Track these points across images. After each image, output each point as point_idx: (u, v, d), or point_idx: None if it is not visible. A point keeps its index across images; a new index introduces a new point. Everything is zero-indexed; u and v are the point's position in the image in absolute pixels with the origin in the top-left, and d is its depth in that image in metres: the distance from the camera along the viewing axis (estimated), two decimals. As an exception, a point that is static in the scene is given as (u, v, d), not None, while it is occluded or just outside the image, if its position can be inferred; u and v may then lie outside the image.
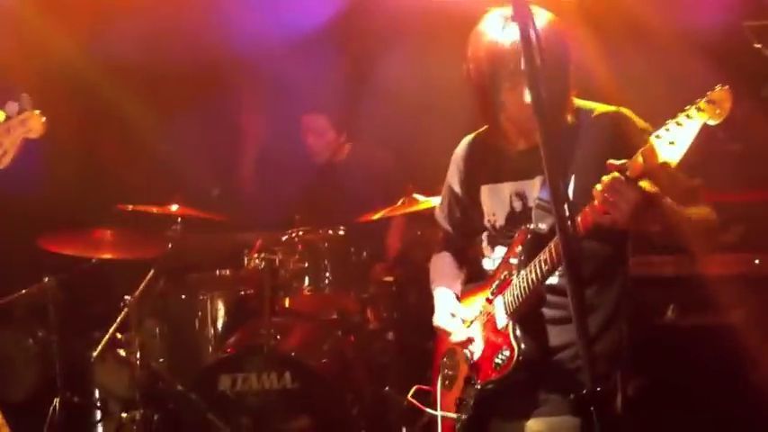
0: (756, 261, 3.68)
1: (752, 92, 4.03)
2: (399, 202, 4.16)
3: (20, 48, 4.41)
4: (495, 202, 2.44)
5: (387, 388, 4.17)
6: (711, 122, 1.85)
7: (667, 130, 1.89)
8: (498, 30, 2.28)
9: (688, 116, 1.86)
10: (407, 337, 4.27)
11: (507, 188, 2.41)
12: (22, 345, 4.40)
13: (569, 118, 2.31)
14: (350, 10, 4.84)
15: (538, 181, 2.33)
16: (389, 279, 4.34)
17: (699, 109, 1.86)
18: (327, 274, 4.24)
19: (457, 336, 2.46)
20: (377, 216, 4.19)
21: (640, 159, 1.94)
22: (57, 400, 4.12)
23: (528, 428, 2.30)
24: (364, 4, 4.72)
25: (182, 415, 3.93)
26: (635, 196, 1.97)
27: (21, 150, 2.64)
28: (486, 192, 2.47)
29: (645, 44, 3.88)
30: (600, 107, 2.34)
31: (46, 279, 4.25)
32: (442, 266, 2.69)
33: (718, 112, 1.85)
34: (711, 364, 3.50)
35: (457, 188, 2.61)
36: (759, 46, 4.04)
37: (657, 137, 1.90)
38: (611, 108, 2.33)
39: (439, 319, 2.54)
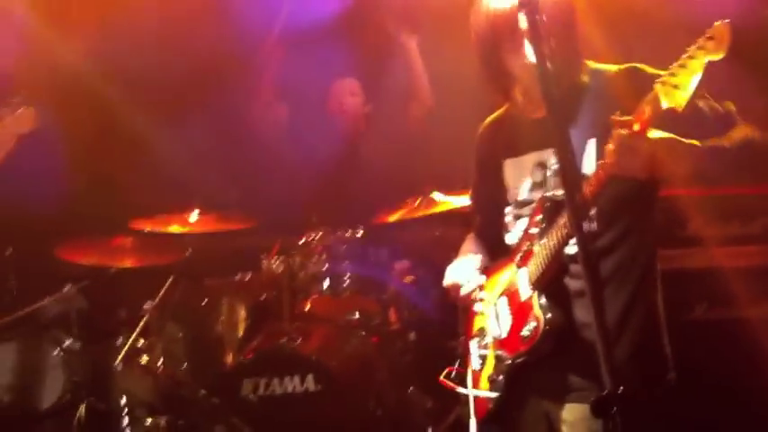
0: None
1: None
2: (417, 203, 4.14)
3: (27, 60, 4.43)
4: (518, 174, 2.40)
5: (411, 389, 4.15)
6: (714, 58, 1.82)
7: (672, 74, 1.87)
8: None
9: (690, 56, 1.84)
10: (429, 338, 4.24)
11: (529, 159, 2.37)
12: (48, 353, 4.43)
13: (584, 78, 2.27)
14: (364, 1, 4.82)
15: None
16: (410, 279, 4.32)
17: (700, 47, 1.83)
18: (347, 276, 4.23)
19: (468, 286, 2.43)
20: (394, 218, 4.16)
21: (647, 109, 1.92)
22: (83, 408, 4.15)
23: (563, 417, 2.24)
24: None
25: (206, 420, 3.93)
26: (647, 148, 1.96)
27: (15, 148, 2.65)
28: (509, 166, 2.44)
29: (658, 36, 3.82)
30: (615, 66, 2.30)
31: (67, 288, 4.28)
32: (468, 246, 2.65)
33: (719, 47, 1.82)
34: (738, 359, 3.44)
35: (481, 169, 2.58)
36: (780, 32, 3.95)
37: (662, 83, 1.88)
38: (625, 65, 2.29)
39: (450, 275, 2.50)
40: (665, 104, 1.87)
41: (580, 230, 1.76)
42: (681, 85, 1.85)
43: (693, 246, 3.56)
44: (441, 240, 4.27)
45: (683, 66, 1.85)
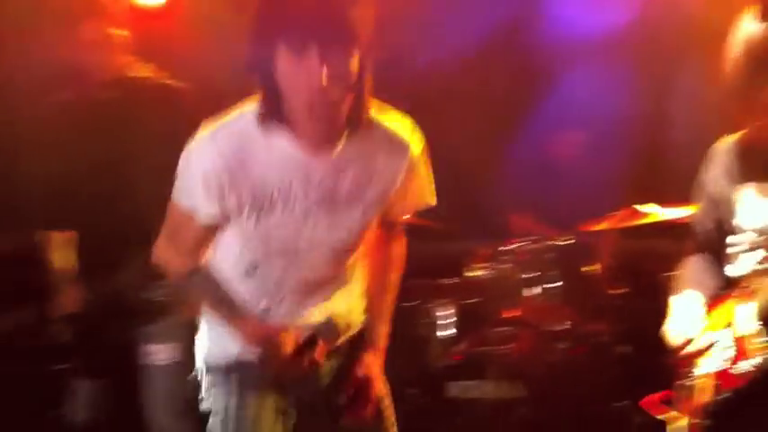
0: None
1: None
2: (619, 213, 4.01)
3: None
4: (759, 203, 2.28)
5: (620, 402, 4.02)
6: None
7: None
8: (752, 24, 2.20)
9: None
10: (640, 351, 4.09)
11: None
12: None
13: None
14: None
15: None
16: (620, 290, 4.19)
17: None
18: (554, 284, 4.17)
19: (690, 347, 2.35)
20: (600, 227, 4.06)
21: None
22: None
23: None
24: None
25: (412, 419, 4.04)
26: None
27: None
28: (750, 191, 2.32)
29: None
30: None
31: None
32: (691, 271, 2.54)
33: None
34: None
35: (714, 187, 2.44)
36: None
37: None
38: None
39: (670, 325, 2.43)
40: None
41: None
42: None
43: None
44: (653, 251, 4.10)
45: None
